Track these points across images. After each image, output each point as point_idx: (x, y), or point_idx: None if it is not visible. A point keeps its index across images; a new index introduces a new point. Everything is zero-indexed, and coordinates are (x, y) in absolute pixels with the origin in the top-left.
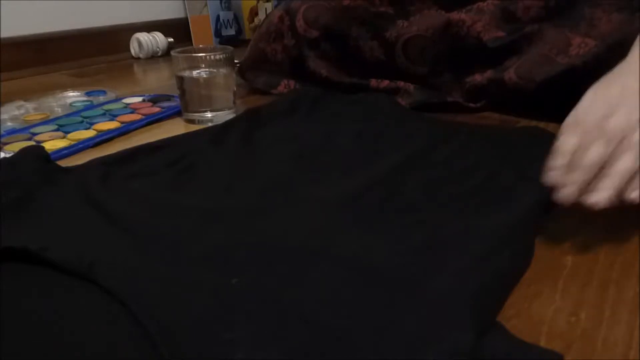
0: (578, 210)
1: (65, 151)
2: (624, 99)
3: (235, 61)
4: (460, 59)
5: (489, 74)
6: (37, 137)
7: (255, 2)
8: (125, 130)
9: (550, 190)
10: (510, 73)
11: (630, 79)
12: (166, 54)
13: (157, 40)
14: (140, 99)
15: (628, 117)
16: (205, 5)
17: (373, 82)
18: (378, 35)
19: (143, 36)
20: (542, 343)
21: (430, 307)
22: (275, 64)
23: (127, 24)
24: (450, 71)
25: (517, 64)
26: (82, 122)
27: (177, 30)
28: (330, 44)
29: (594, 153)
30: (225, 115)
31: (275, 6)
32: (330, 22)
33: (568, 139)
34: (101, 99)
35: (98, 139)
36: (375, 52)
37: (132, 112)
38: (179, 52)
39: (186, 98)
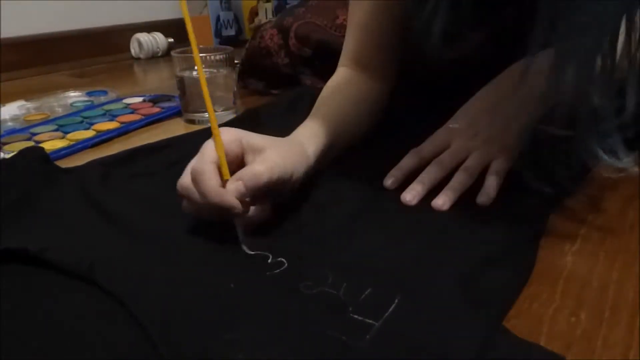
0: (578, 211)
1: (64, 151)
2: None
3: (236, 61)
4: None
5: None
6: (36, 137)
7: (255, 2)
8: (124, 131)
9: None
10: None
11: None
12: (166, 54)
13: (157, 40)
14: (140, 99)
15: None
16: (206, 5)
17: None
18: None
19: (143, 36)
20: (542, 343)
21: (433, 310)
22: (272, 74)
23: (127, 24)
24: None
25: None
26: (81, 122)
27: (177, 31)
28: (323, 62)
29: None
30: (225, 116)
31: (276, 7)
32: (323, 40)
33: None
34: (102, 99)
35: (97, 139)
36: None
37: (132, 113)
38: (179, 53)
39: (186, 98)
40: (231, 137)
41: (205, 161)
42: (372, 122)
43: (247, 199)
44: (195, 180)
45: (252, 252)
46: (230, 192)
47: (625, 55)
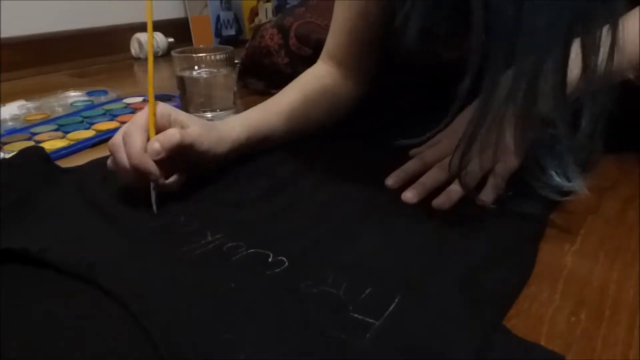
0: (578, 211)
1: (64, 151)
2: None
3: (236, 61)
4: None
5: None
6: (36, 137)
7: (255, 2)
8: None
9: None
10: None
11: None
12: (166, 54)
13: (157, 40)
14: (141, 99)
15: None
16: (206, 5)
17: None
18: None
19: (143, 36)
20: (542, 343)
21: (433, 310)
22: (272, 73)
23: (127, 24)
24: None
25: None
26: (82, 122)
27: (178, 31)
28: None
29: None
30: (225, 116)
31: (276, 7)
32: (323, 39)
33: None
34: (102, 98)
35: (97, 139)
36: None
37: (132, 112)
38: (179, 52)
39: (186, 98)
40: (162, 111)
41: (135, 124)
42: (331, 116)
43: (162, 168)
44: (124, 141)
45: (163, 219)
46: (149, 155)
47: (582, 78)
